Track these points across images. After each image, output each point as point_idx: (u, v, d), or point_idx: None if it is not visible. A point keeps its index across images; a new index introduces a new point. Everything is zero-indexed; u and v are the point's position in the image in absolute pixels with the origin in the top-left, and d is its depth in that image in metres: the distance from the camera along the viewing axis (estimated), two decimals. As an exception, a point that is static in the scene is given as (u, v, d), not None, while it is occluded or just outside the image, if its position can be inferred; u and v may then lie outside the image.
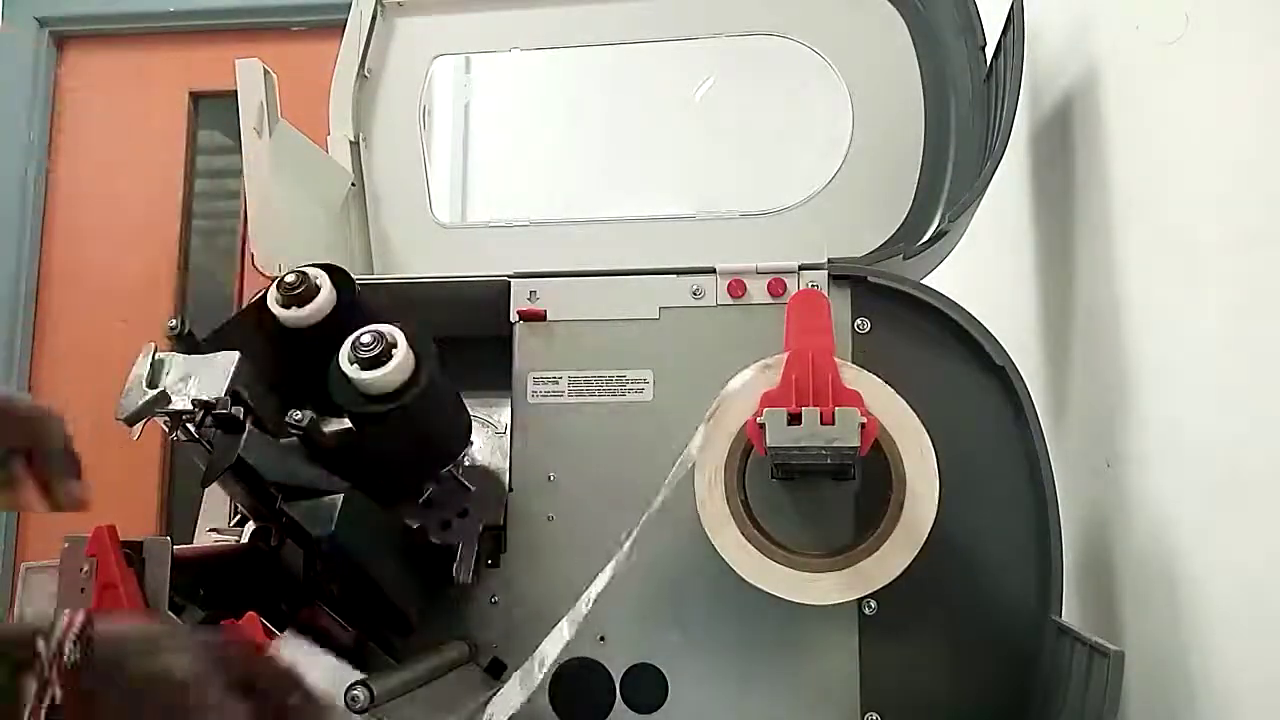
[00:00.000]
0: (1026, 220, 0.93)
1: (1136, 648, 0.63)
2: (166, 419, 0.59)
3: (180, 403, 0.58)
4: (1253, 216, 0.51)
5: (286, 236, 0.82)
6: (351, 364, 0.61)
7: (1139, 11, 0.68)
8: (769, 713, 0.67)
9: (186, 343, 0.62)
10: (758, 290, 0.71)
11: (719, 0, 0.94)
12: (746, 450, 0.62)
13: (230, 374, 0.59)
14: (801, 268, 0.71)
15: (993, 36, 0.82)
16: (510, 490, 0.71)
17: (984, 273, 0.99)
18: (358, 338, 0.61)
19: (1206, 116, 0.57)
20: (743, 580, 0.61)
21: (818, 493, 0.67)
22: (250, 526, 0.69)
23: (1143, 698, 0.63)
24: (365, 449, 0.65)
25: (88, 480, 0.57)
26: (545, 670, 0.61)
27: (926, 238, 0.78)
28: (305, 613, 0.61)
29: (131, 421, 0.58)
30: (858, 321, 0.70)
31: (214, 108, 2.10)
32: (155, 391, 0.58)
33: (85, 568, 0.56)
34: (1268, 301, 0.50)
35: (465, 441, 0.72)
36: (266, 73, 0.79)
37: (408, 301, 0.75)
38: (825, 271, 0.71)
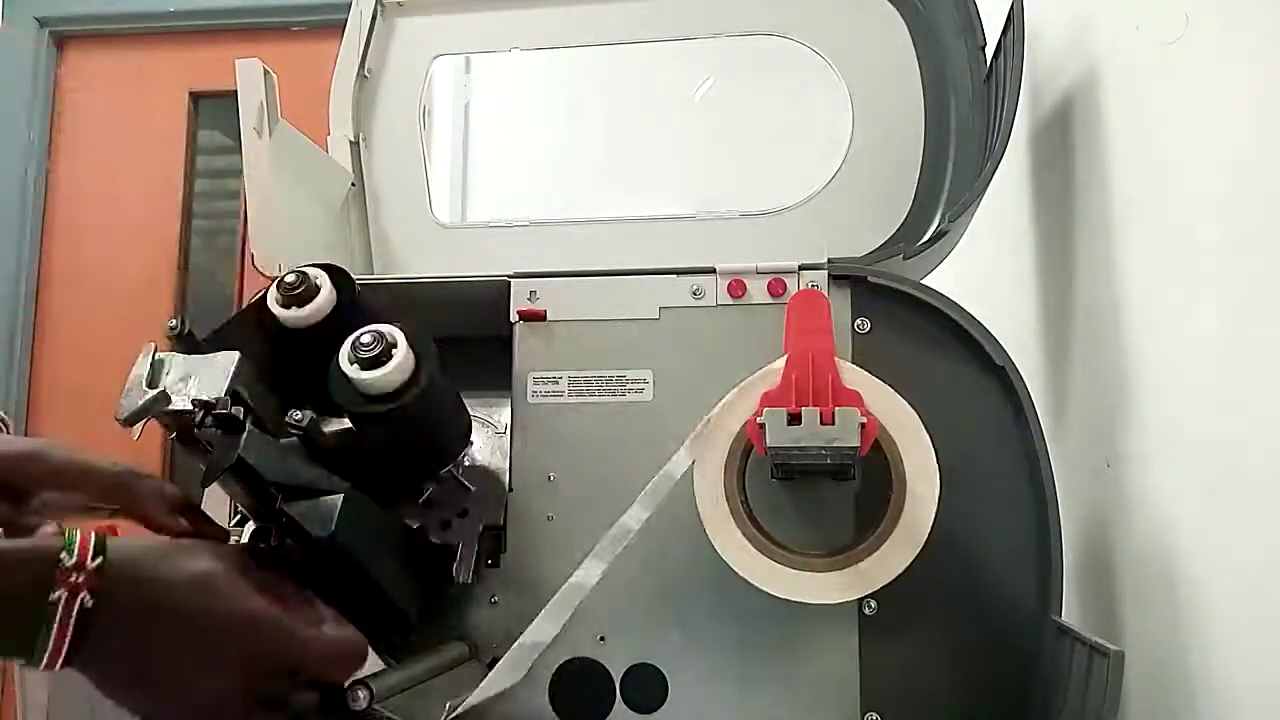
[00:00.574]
0: (1026, 220, 0.93)
1: (1136, 648, 0.63)
2: (166, 419, 0.59)
3: (180, 403, 0.58)
4: (1253, 216, 0.51)
5: (286, 236, 0.82)
6: (351, 364, 0.61)
7: (1139, 11, 0.68)
8: (769, 713, 0.67)
9: (186, 343, 0.62)
10: (758, 290, 0.71)
11: (719, 0, 0.94)
12: (746, 450, 0.62)
13: (230, 374, 0.59)
14: (801, 268, 0.71)
15: (993, 36, 0.82)
16: (510, 490, 0.71)
17: (984, 273, 0.99)
18: (358, 338, 0.61)
19: (1206, 116, 0.57)
20: (743, 580, 0.61)
21: (818, 493, 0.67)
22: (250, 526, 0.69)
23: (1143, 698, 0.63)
24: (365, 449, 0.65)
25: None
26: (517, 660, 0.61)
27: (926, 238, 0.78)
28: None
29: (131, 422, 0.58)
30: (858, 321, 0.70)
31: (214, 108, 2.11)
32: (155, 391, 0.58)
33: (85, 568, 0.56)
34: (1268, 301, 0.50)
35: (465, 441, 0.72)
36: (266, 73, 0.79)
37: (408, 301, 0.75)
38: (825, 271, 0.71)
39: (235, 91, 0.79)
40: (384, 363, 0.61)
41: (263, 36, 2.08)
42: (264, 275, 0.77)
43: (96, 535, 0.46)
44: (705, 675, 0.68)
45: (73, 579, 0.44)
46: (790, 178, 1.01)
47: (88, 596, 0.44)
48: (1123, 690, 0.56)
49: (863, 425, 0.59)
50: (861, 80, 0.89)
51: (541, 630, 0.61)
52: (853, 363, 0.66)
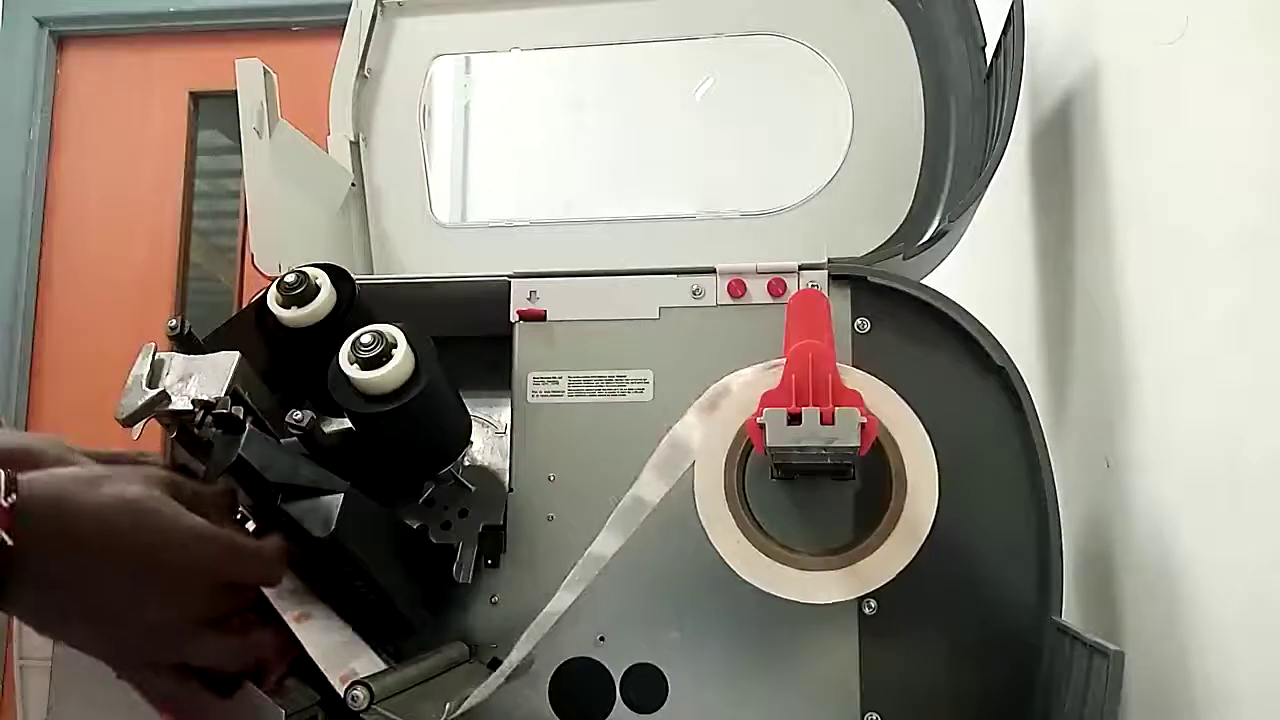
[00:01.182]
0: (1026, 220, 0.93)
1: (1136, 648, 0.63)
2: (166, 419, 0.59)
3: (180, 403, 0.58)
4: (1253, 216, 0.51)
5: (286, 236, 0.82)
6: (351, 364, 0.61)
7: (1139, 11, 0.68)
8: (769, 713, 0.67)
9: (186, 343, 0.62)
10: (758, 290, 0.71)
11: (719, 0, 0.94)
12: (746, 450, 0.62)
13: (230, 374, 0.59)
14: (801, 268, 0.71)
15: (993, 36, 0.82)
16: (510, 490, 0.71)
17: (984, 273, 0.99)
18: (358, 338, 0.61)
19: (1206, 116, 0.57)
20: (742, 580, 0.61)
21: (818, 492, 0.67)
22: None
23: (1143, 698, 0.63)
24: (365, 449, 0.65)
25: None
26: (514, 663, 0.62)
27: (926, 238, 0.78)
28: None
29: (131, 421, 0.58)
30: (858, 321, 0.70)
31: (214, 108, 2.11)
32: (155, 391, 0.58)
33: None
34: (1269, 301, 0.50)
35: (465, 441, 0.72)
36: (266, 73, 0.79)
37: (408, 301, 0.75)
38: (825, 271, 0.71)
39: (235, 91, 0.79)
40: (384, 363, 0.61)
41: (263, 36, 2.08)
42: (264, 275, 0.77)
43: (6, 473, 0.44)
44: (705, 675, 0.68)
45: None
46: (790, 178, 1.01)
47: (5, 536, 0.43)
48: (1123, 690, 0.56)
49: (863, 425, 0.59)
50: (861, 80, 0.89)
51: (561, 600, 0.62)
52: (853, 363, 0.66)
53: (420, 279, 0.77)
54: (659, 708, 0.68)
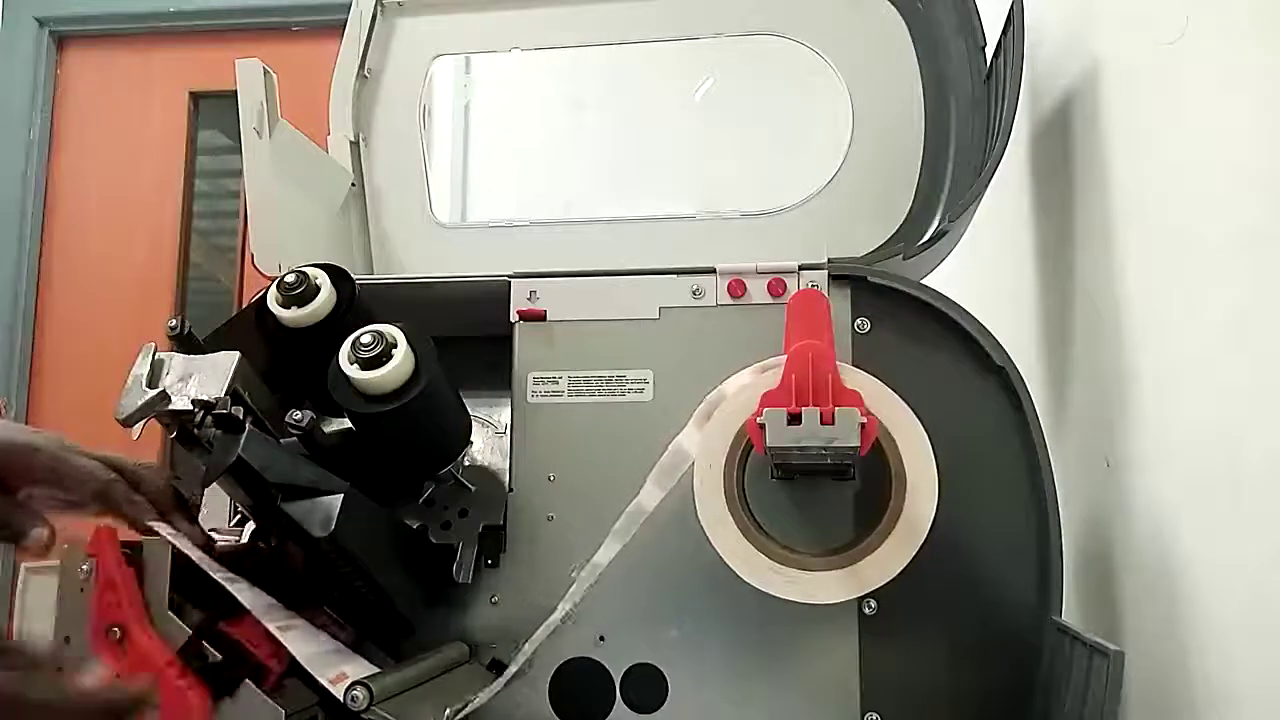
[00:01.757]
0: (1026, 220, 0.93)
1: (1136, 648, 0.63)
2: (166, 419, 0.59)
3: (180, 403, 0.58)
4: (1253, 216, 0.51)
5: (286, 236, 0.82)
6: (351, 364, 0.61)
7: (1139, 11, 0.68)
8: (769, 713, 0.67)
9: (186, 343, 0.62)
10: (758, 290, 0.71)
11: (719, 0, 0.94)
12: (746, 450, 0.62)
13: (230, 374, 0.59)
14: (801, 268, 0.71)
15: (993, 36, 0.82)
16: (510, 490, 0.71)
17: (984, 273, 0.98)
18: (358, 338, 0.61)
19: (1206, 116, 0.57)
20: (742, 580, 0.61)
21: (817, 492, 0.67)
22: (250, 526, 0.70)
23: (1143, 698, 0.63)
24: (365, 449, 0.65)
25: None
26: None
27: (926, 238, 0.78)
28: (305, 613, 0.61)
29: (131, 421, 0.58)
30: (858, 321, 0.70)
31: (214, 108, 2.11)
32: (155, 391, 0.58)
33: (85, 568, 0.56)
34: (1268, 301, 0.50)
35: (465, 441, 0.72)
36: (266, 73, 0.79)
37: (408, 301, 0.75)
38: (825, 271, 0.71)
39: (235, 91, 0.79)
40: (384, 363, 0.61)
41: (263, 36, 2.08)
42: (264, 275, 0.77)
43: None
44: (705, 675, 0.68)
45: None
46: (790, 178, 1.01)
47: None
48: (1123, 690, 0.56)
49: (862, 425, 0.59)
50: (861, 80, 0.89)
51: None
52: (853, 363, 0.66)
53: (420, 279, 0.77)
54: (659, 708, 0.68)
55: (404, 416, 0.61)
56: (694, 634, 0.68)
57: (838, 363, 0.62)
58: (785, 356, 0.62)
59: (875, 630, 0.67)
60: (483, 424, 0.76)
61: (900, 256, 0.76)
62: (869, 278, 0.70)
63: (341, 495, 0.57)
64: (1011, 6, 0.76)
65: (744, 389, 0.63)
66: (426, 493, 0.71)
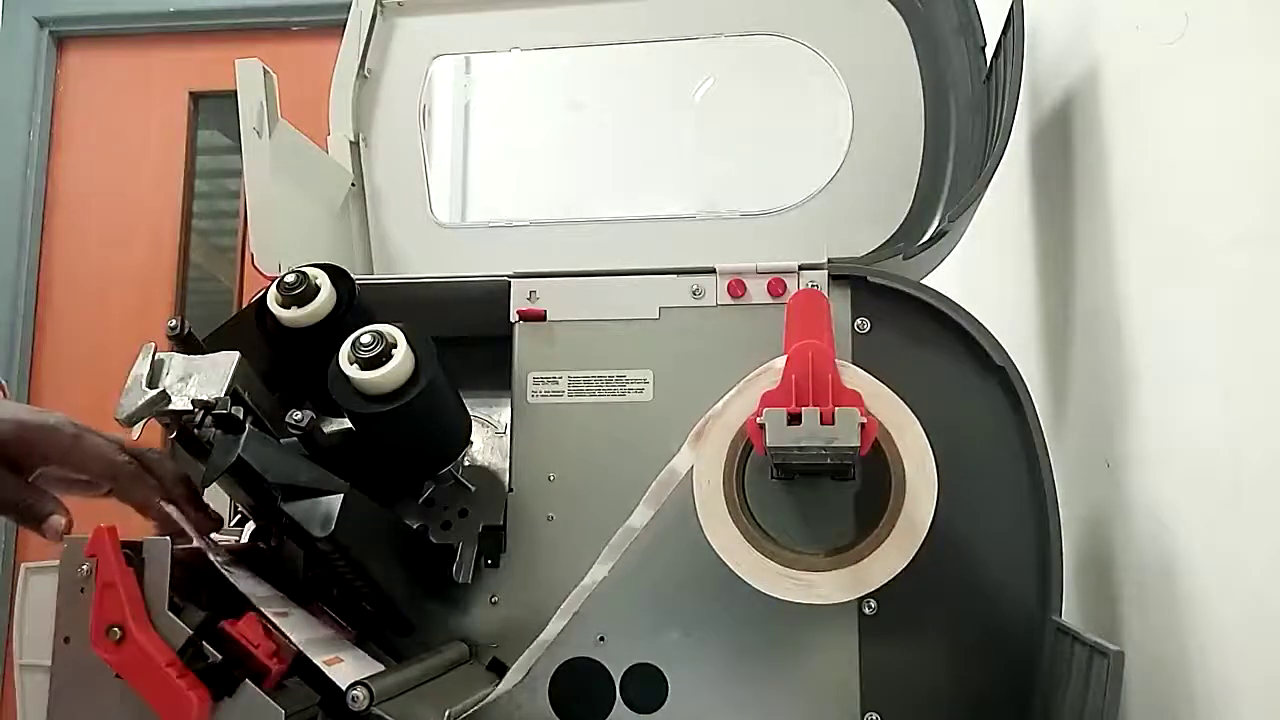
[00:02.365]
0: (1026, 220, 0.93)
1: (1136, 648, 0.63)
2: (166, 419, 0.59)
3: (180, 403, 0.58)
4: (1253, 216, 0.51)
5: (286, 236, 0.82)
6: (351, 364, 0.61)
7: (1139, 11, 0.68)
8: (769, 713, 0.67)
9: (186, 343, 0.62)
10: (758, 290, 0.71)
11: (719, 0, 0.94)
12: (746, 450, 0.62)
13: (230, 374, 0.59)
14: (801, 268, 0.71)
15: (993, 36, 0.82)
16: (510, 490, 0.71)
17: (984, 273, 0.99)
18: (358, 338, 0.61)
19: (1206, 116, 0.57)
20: (742, 581, 0.61)
21: (818, 493, 0.67)
22: (250, 526, 0.70)
23: (1143, 698, 0.63)
24: (365, 449, 0.65)
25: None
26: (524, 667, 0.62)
27: (926, 238, 0.78)
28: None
29: (131, 421, 0.58)
30: (858, 321, 0.70)
31: (214, 108, 2.11)
32: (155, 391, 0.58)
33: (85, 568, 0.56)
34: (1269, 301, 0.50)
35: (465, 441, 0.72)
36: (266, 73, 0.79)
37: (408, 301, 0.75)
38: (825, 271, 0.71)
39: (235, 91, 0.79)
40: (384, 363, 0.61)
41: (263, 36, 2.08)
42: (264, 275, 0.77)
43: None
44: (705, 675, 0.68)
45: None
46: (790, 178, 1.01)
47: None
48: (1123, 690, 0.56)
49: (862, 425, 0.59)
50: (861, 80, 0.89)
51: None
52: (853, 363, 0.66)
53: (420, 279, 0.77)
54: (659, 708, 0.68)
55: (404, 416, 0.61)
56: (694, 634, 0.68)
57: (838, 361, 0.62)
58: (769, 363, 0.62)
59: (875, 630, 0.67)
60: (483, 424, 0.76)
61: (900, 257, 0.76)
62: (869, 278, 0.70)
63: (341, 495, 0.57)
64: (1011, 6, 0.76)
65: (734, 399, 0.63)
66: (426, 493, 0.71)
